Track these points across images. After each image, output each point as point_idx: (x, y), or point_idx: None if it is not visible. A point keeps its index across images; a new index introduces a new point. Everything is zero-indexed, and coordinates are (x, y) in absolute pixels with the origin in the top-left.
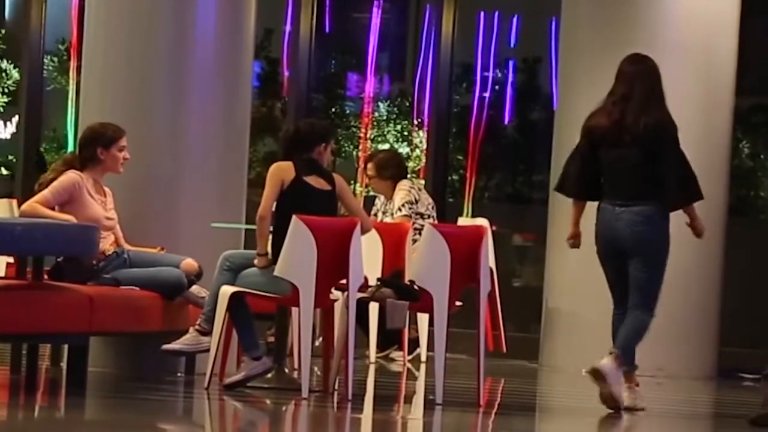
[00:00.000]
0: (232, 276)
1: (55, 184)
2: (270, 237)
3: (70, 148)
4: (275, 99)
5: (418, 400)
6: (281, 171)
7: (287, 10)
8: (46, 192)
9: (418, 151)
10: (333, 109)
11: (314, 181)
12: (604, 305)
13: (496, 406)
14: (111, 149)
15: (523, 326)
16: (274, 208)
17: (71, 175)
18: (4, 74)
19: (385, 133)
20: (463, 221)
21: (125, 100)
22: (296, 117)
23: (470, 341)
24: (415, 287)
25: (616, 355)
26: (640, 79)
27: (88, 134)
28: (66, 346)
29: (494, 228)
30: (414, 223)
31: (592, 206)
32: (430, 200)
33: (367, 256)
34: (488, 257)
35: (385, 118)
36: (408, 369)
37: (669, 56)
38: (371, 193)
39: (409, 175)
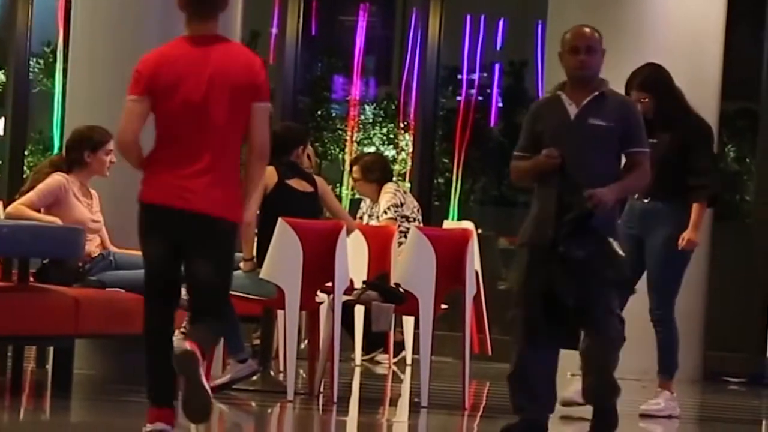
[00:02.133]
0: None
1: (40, 186)
2: (255, 241)
3: (56, 150)
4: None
5: (404, 403)
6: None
7: (274, 12)
8: (31, 194)
9: (404, 154)
10: (319, 112)
11: (297, 183)
12: None
13: (481, 409)
14: (98, 152)
15: (509, 329)
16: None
17: (57, 178)
18: None
19: (371, 136)
20: (449, 224)
21: (111, 102)
22: (283, 120)
23: (455, 344)
24: (401, 290)
25: None
26: None
27: (76, 137)
28: (51, 349)
29: (480, 231)
30: (399, 226)
31: None
32: (416, 203)
33: (353, 259)
34: (474, 260)
35: (371, 121)
36: (393, 372)
37: (655, 60)
38: (357, 196)
39: (394, 178)
